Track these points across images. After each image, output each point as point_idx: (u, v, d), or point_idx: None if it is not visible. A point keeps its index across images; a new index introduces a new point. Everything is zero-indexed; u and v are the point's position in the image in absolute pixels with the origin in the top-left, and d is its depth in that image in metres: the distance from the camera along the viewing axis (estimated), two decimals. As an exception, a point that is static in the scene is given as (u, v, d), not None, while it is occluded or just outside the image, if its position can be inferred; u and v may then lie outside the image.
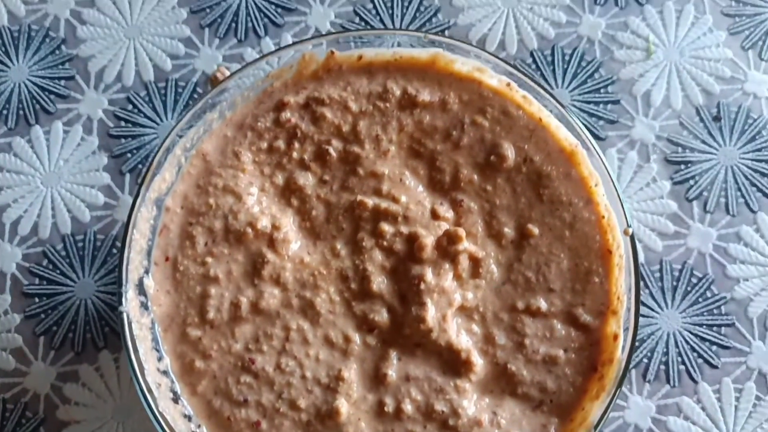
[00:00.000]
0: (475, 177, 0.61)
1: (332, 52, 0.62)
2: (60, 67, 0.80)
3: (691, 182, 0.75)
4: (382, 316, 0.58)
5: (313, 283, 0.59)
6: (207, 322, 0.58)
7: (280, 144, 0.62)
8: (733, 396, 0.70)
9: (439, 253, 0.58)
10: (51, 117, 0.79)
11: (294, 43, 0.63)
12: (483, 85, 0.62)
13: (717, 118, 0.77)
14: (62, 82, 0.80)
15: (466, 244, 0.58)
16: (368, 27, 0.80)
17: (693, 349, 0.71)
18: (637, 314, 0.55)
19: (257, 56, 0.79)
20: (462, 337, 0.57)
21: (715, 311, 0.72)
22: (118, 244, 0.75)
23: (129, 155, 0.78)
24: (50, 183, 0.77)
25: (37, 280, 0.74)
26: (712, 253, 0.74)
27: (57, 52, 0.81)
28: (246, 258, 0.60)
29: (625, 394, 0.70)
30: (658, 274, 0.73)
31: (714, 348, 0.71)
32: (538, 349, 0.57)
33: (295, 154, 0.62)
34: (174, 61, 0.80)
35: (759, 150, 0.76)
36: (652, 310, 0.72)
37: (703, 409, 0.70)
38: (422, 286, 0.57)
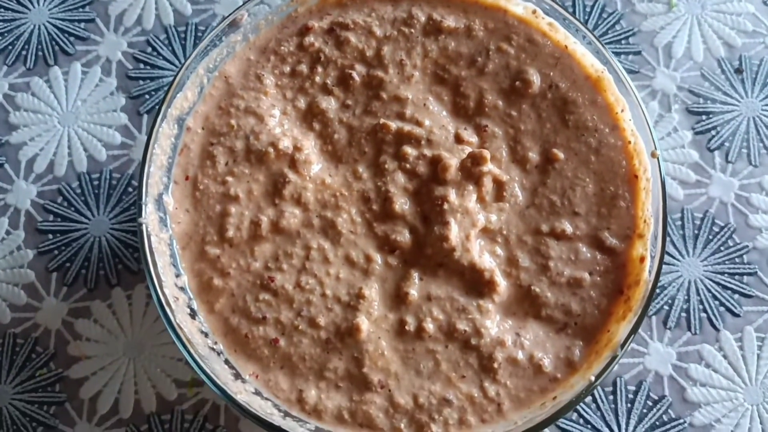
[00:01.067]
0: (500, 103, 0.60)
1: None
2: (80, 10, 0.81)
3: (713, 132, 0.75)
4: (404, 236, 0.57)
5: (334, 204, 0.58)
6: (226, 241, 0.58)
7: (303, 68, 0.62)
8: (755, 344, 0.69)
9: (463, 175, 0.57)
10: (70, 58, 0.79)
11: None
12: (508, 13, 0.62)
13: (739, 71, 0.77)
14: (82, 25, 0.80)
15: (490, 166, 0.57)
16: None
17: (715, 297, 0.70)
18: (665, 237, 0.54)
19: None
20: (485, 258, 0.57)
21: (737, 260, 0.72)
22: (134, 182, 0.74)
23: (147, 96, 0.77)
24: (67, 122, 0.77)
25: (51, 217, 0.74)
26: (734, 202, 0.73)
27: None
28: (267, 178, 0.59)
29: (645, 340, 0.69)
30: (679, 222, 0.73)
31: (736, 296, 0.71)
32: (562, 272, 0.56)
33: (317, 79, 0.62)
34: (194, 6, 0.80)
35: None
36: (673, 257, 0.72)
37: (724, 357, 0.69)
38: (445, 206, 0.56)
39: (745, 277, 0.71)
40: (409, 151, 0.59)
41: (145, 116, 0.77)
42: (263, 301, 0.56)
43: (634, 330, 0.52)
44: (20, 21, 0.80)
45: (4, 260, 0.73)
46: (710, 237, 0.72)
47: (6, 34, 0.80)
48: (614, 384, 0.68)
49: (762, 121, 0.76)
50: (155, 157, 0.58)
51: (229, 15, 0.62)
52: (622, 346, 0.52)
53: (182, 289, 0.57)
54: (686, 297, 0.70)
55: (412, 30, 0.62)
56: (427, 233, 0.57)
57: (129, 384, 0.69)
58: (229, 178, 0.59)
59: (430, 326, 0.55)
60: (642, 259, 0.55)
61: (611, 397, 0.68)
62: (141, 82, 0.78)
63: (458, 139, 0.59)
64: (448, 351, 0.55)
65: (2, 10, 0.81)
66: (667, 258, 0.71)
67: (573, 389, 0.52)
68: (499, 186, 0.58)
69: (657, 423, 0.67)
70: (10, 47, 0.80)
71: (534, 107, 0.60)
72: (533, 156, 0.59)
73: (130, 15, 0.80)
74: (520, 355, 0.55)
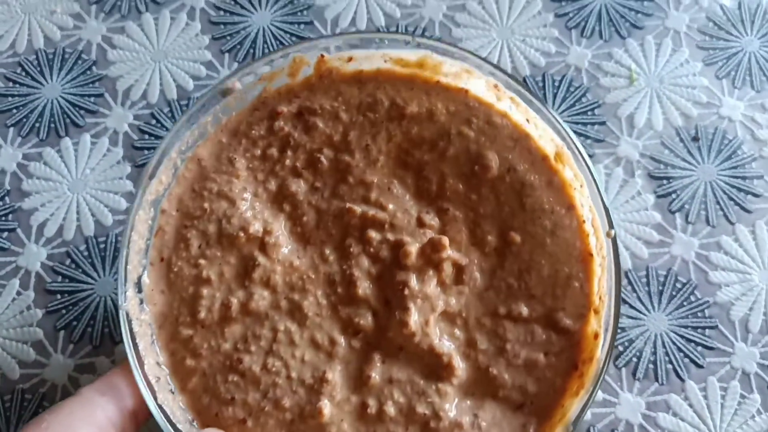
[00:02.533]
0: (461, 186, 0.62)
1: (322, 56, 0.64)
2: (90, 85, 0.87)
3: (674, 196, 0.80)
4: (366, 320, 0.60)
5: (301, 287, 0.61)
6: (198, 322, 0.60)
7: (274, 152, 0.65)
8: (719, 394, 0.73)
9: (424, 260, 0.60)
10: (80, 130, 0.85)
11: (286, 47, 0.65)
12: (469, 94, 0.64)
13: (695, 139, 0.83)
14: (92, 99, 0.86)
15: (449, 252, 0.60)
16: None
17: (679, 350, 0.74)
18: (617, 314, 0.56)
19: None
20: (444, 342, 0.59)
21: (699, 314, 0.76)
22: None
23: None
24: (76, 189, 0.82)
25: (59, 278, 0.79)
26: (694, 260, 0.78)
27: (88, 72, 0.87)
28: (238, 261, 0.62)
29: (616, 390, 0.73)
30: (644, 280, 0.77)
31: (699, 348, 0.75)
32: (519, 353, 0.58)
33: (287, 162, 0.64)
34: (196, 82, 0.86)
35: (735, 167, 0.82)
36: (640, 312, 0.76)
37: (690, 406, 0.73)
38: (406, 291, 0.59)
39: (707, 330, 0.76)
40: (373, 235, 0.61)
41: None
42: (232, 382, 0.59)
43: (585, 407, 0.55)
44: (34, 96, 0.87)
45: (14, 319, 0.78)
46: (673, 293, 0.77)
47: (21, 108, 0.86)
48: (588, 434, 0.71)
49: (718, 185, 0.81)
50: (133, 243, 0.60)
51: (207, 92, 0.64)
52: (574, 423, 0.54)
53: (161, 366, 0.60)
54: (653, 349, 0.75)
55: (377, 115, 0.64)
56: (389, 317, 0.59)
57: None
58: (202, 261, 0.62)
59: (391, 409, 0.57)
60: (596, 336, 0.57)
61: (587, 449, 0.71)
62: (146, 152, 0.84)
63: (420, 223, 0.62)
64: (408, 432, 0.57)
65: (18, 85, 0.88)
66: (633, 313, 0.77)
67: None
68: (458, 269, 0.60)
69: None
70: (25, 120, 0.85)
71: (493, 190, 0.62)
72: (491, 239, 0.61)
73: (137, 90, 0.86)
74: (477, 436, 0.57)
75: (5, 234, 0.80)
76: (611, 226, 0.59)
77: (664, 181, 0.81)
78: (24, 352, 0.76)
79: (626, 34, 0.88)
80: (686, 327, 0.75)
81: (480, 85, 0.64)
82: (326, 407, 0.57)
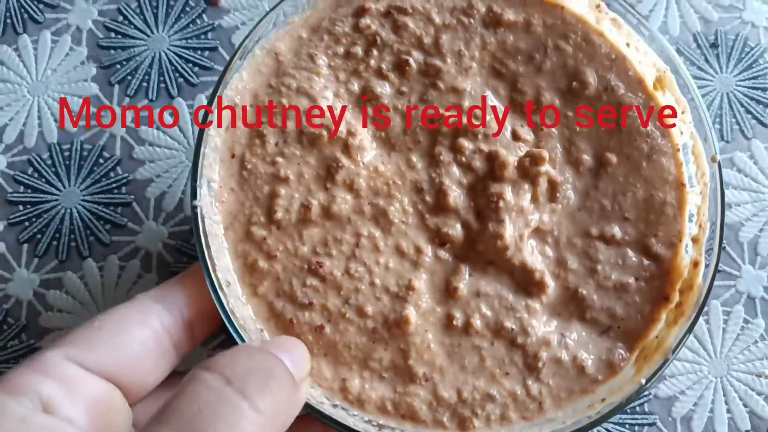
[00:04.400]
0: (557, 101, 0.60)
1: None
2: None
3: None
4: (456, 230, 0.57)
5: (386, 192, 0.58)
6: (274, 223, 0.57)
7: (358, 51, 0.61)
8: (721, 318, 0.72)
9: (520, 173, 0.57)
10: (39, 26, 0.78)
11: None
12: (566, 10, 0.61)
13: (714, 45, 0.79)
14: None
15: (547, 167, 0.57)
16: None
17: None
18: (720, 243, 0.55)
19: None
20: (536, 258, 0.57)
21: None
22: (106, 154, 0.74)
23: (118, 66, 0.77)
24: (37, 92, 0.76)
25: (21, 188, 0.73)
26: None
27: None
28: (319, 162, 0.58)
29: None
30: None
31: None
32: (609, 276, 0.57)
33: (373, 62, 0.60)
34: None
35: (755, 78, 0.78)
36: None
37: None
38: (501, 203, 0.56)
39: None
40: (466, 144, 0.58)
41: (117, 86, 0.76)
42: (310, 287, 0.56)
43: (687, 333, 0.54)
44: None
45: (-26, 233, 0.72)
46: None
47: None
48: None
49: (735, 97, 0.78)
50: (210, 137, 0.56)
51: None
52: (674, 350, 0.53)
53: (230, 271, 0.56)
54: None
55: (472, 20, 0.61)
56: (481, 229, 0.57)
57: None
58: (279, 159, 0.58)
59: (477, 322, 0.55)
60: (696, 264, 0.56)
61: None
62: (112, 52, 0.77)
63: (515, 136, 0.59)
64: (493, 348, 0.55)
65: None
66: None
67: (622, 392, 0.53)
68: (553, 186, 0.58)
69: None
70: None
71: (590, 108, 0.60)
72: (587, 158, 0.59)
73: None
74: (564, 356, 0.55)
75: (-45, 141, 0.73)
76: (716, 151, 0.57)
77: (677, 91, 0.78)
78: (-15, 267, 0.71)
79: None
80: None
81: (582, 3, 0.62)
82: (412, 315, 0.55)
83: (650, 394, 0.70)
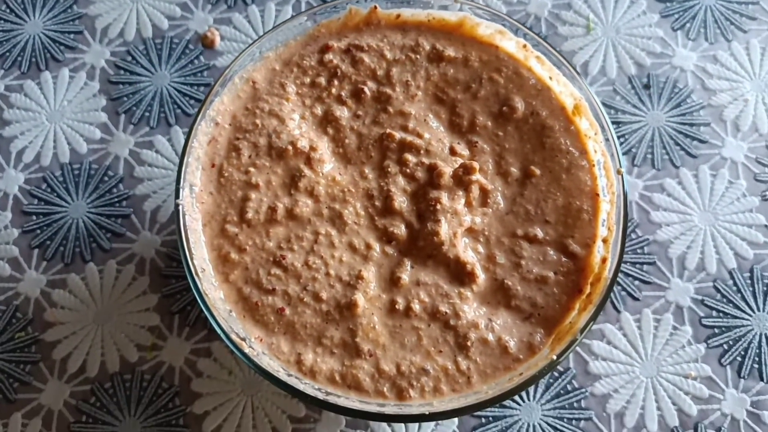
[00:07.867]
0: (489, 123, 0.70)
1: (375, 7, 0.72)
2: (71, 23, 0.93)
3: (622, 140, 0.87)
4: (400, 229, 0.67)
5: (342, 198, 0.67)
6: (245, 221, 0.66)
7: (322, 80, 0.72)
8: (652, 325, 0.80)
9: (455, 182, 0.67)
10: (59, 64, 0.91)
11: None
12: (500, 49, 0.72)
13: (647, 86, 0.89)
14: (71, 36, 0.93)
15: (478, 176, 0.67)
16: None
17: (617, 284, 0.81)
18: (623, 242, 0.64)
19: (244, 21, 0.92)
20: (468, 253, 0.66)
21: (638, 251, 0.83)
22: (111, 172, 0.86)
23: (125, 99, 0.89)
24: (54, 119, 0.88)
25: (35, 201, 0.84)
26: (638, 201, 0.85)
27: (69, 10, 0.94)
28: (285, 171, 0.68)
29: None
30: None
31: (636, 283, 0.82)
32: (532, 270, 0.66)
33: (334, 90, 0.71)
34: (171, 22, 0.93)
35: (683, 114, 0.89)
36: None
37: (624, 335, 0.80)
38: (438, 206, 0.66)
39: (645, 266, 0.82)
40: (410, 158, 0.68)
41: (123, 115, 0.88)
42: (274, 275, 0.65)
43: (593, 318, 0.62)
44: (17, 31, 0.93)
45: (-9, 237, 0.83)
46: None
47: (4, 43, 0.92)
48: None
49: (665, 131, 0.88)
50: (193, 149, 0.66)
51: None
52: (581, 331, 0.62)
53: (205, 260, 0.65)
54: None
55: (418, 56, 0.72)
56: (421, 228, 0.66)
57: (96, 347, 0.78)
58: (252, 169, 0.68)
59: (416, 307, 0.64)
60: (604, 260, 0.65)
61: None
62: (120, 86, 0.90)
63: (452, 152, 0.69)
64: (430, 329, 0.64)
65: (2, 21, 0.93)
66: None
67: (537, 366, 0.61)
68: (484, 193, 0.68)
69: (561, 392, 0.78)
70: (8, 54, 0.92)
71: (517, 129, 0.70)
72: (514, 171, 0.69)
73: (114, 28, 0.93)
74: (491, 337, 0.64)
75: (-17, 160, 0.85)
76: (620, 165, 0.67)
77: (614, 126, 0.87)
78: (0, 267, 0.81)
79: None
80: (625, 263, 0.82)
81: (511, 45, 0.73)
82: (360, 300, 0.63)
83: (587, 391, 0.78)
